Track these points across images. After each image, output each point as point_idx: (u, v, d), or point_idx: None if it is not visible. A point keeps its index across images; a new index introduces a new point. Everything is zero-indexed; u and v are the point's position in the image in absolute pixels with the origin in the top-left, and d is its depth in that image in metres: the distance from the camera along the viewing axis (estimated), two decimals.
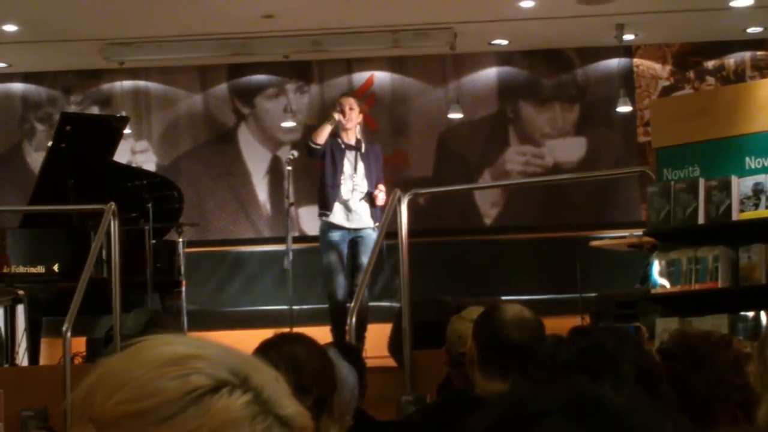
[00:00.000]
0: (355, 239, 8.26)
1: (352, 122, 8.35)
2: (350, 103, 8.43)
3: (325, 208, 8.27)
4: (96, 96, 12.35)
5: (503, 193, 12.19)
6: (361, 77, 12.27)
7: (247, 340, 2.88)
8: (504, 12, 10.74)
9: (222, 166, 12.27)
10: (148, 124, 12.36)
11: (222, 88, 12.38)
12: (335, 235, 8.23)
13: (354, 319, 6.92)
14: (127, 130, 10.11)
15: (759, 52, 11.98)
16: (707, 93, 10.06)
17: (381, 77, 12.28)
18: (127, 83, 12.33)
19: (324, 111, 11.58)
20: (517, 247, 11.72)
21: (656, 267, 6.34)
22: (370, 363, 4.97)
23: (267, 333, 2.89)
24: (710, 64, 12.01)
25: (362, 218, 8.28)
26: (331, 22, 10.95)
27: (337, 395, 2.76)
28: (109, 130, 9.20)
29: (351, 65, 12.26)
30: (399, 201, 7.22)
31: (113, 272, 7.40)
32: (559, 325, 4.24)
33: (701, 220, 6.15)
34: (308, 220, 11.35)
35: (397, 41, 11.36)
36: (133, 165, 11.33)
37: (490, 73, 12.23)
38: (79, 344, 7.88)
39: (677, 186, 6.26)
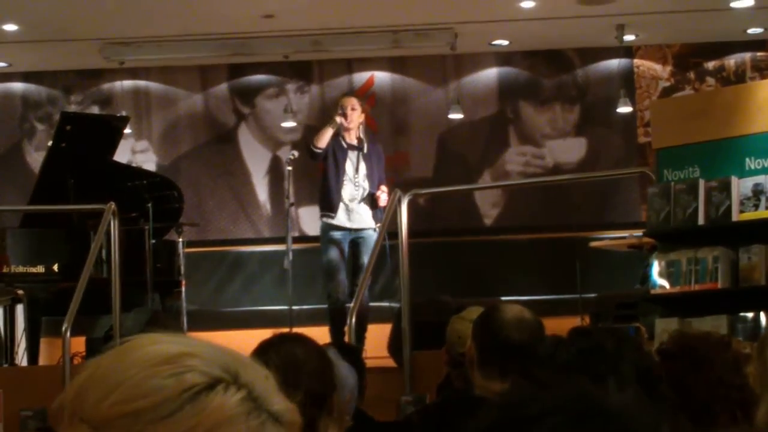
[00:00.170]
0: (356, 240, 8.25)
1: (354, 122, 8.34)
2: (352, 103, 8.40)
3: (329, 209, 8.25)
4: (96, 96, 12.35)
5: (503, 194, 12.19)
6: (361, 77, 12.27)
7: (247, 340, 2.88)
8: (504, 12, 10.74)
9: (222, 166, 12.27)
10: (148, 124, 12.36)
11: (222, 88, 12.38)
12: (337, 234, 8.23)
13: (354, 320, 6.92)
14: (127, 130, 10.11)
15: (759, 53, 11.98)
16: (707, 94, 10.06)
17: (381, 77, 12.28)
18: (128, 83, 12.33)
19: (324, 111, 11.59)
20: (517, 247, 11.72)
21: (656, 268, 6.34)
22: (369, 363, 4.97)
23: (266, 333, 2.89)
24: (710, 64, 12.01)
25: (363, 219, 8.27)
26: (331, 22, 10.95)
27: (336, 395, 2.76)
28: (109, 130, 9.20)
29: (351, 65, 12.26)
30: (399, 201, 7.21)
31: (113, 272, 7.40)
32: (558, 325, 4.23)
33: (701, 220, 6.14)
34: (308, 220, 11.35)
35: (398, 41, 11.36)
36: (133, 165, 11.33)
37: (490, 74, 12.23)
38: (79, 344, 7.88)
39: (677, 187, 6.26)
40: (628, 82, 11.96)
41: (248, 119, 12.37)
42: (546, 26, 11.12)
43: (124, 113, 11.31)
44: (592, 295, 9.03)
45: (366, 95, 11.70)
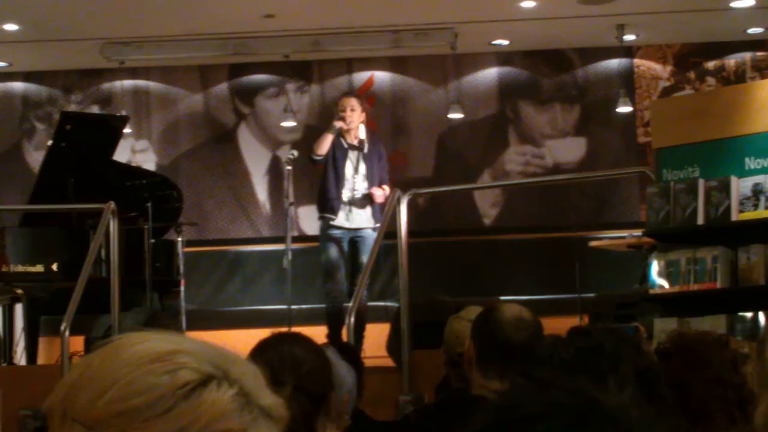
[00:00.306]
0: (354, 239, 8.25)
1: (354, 122, 8.31)
2: (351, 104, 8.37)
3: (328, 209, 8.24)
4: (96, 95, 12.35)
5: (503, 194, 12.19)
6: (361, 77, 12.27)
7: (246, 339, 2.88)
8: (504, 12, 10.74)
9: (222, 165, 12.27)
10: (148, 124, 12.36)
11: (222, 87, 12.38)
12: (336, 233, 8.22)
13: (353, 319, 6.92)
14: (127, 130, 10.12)
15: (759, 53, 11.98)
16: (707, 93, 10.06)
17: (381, 77, 12.28)
18: (128, 82, 12.33)
19: (324, 111, 11.59)
20: (516, 247, 11.72)
21: (655, 267, 6.34)
22: (368, 363, 4.96)
23: (265, 333, 2.89)
24: (710, 64, 12.01)
25: (362, 218, 8.26)
26: (331, 21, 10.95)
27: (334, 395, 2.76)
28: (109, 130, 9.20)
29: (351, 65, 12.26)
30: (398, 201, 7.21)
31: (112, 271, 7.39)
32: (557, 325, 4.23)
33: (700, 220, 6.14)
34: (308, 219, 11.35)
35: (398, 41, 11.37)
36: (133, 164, 11.33)
37: (490, 74, 12.23)
38: (78, 343, 7.87)
39: (677, 186, 6.26)
40: (628, 81, 11.97)
41: (248, 119, 12.37)
42: (546, 26, 11.12)
43: (124, 113, 11.31)
44: (591, 294, 9.04)
45: (366, 95, 11.70)
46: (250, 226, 12.15)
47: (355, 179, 8.27)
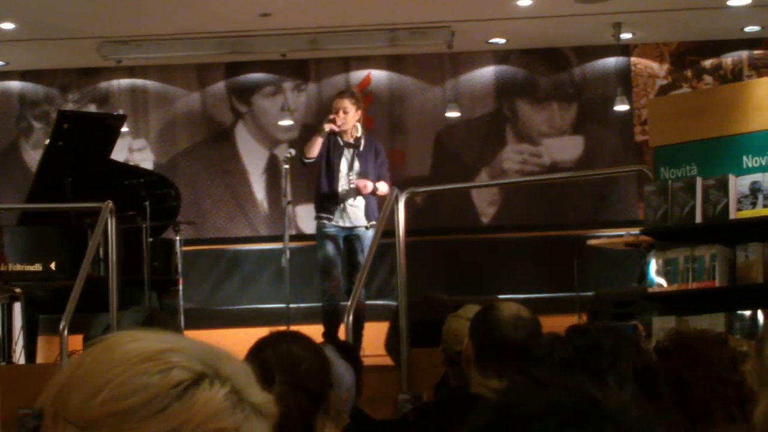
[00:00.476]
0: (349, 237, 8.23)
1: (348, 124, 8.27)
2: (344, 105, 8.30)
3: (323, 208, 8.23)
4: (93, 94, 12.34)
5: (500, 192, 12.18)
6: (358, 75, 12.27)
7: (244, 338, 2.88)
8: (501, 11, 10.74)
9: (219, 164, 12.27)
10: (145, 122, 12.35)
11: (219, 86, 12.37)
12: (331, 230, 8.21)
13: (351, 318, 6.91)
14: (124, 128, 10.10)
15: (756, 51, 11.98)
16: (705, 92, 10.07)
17: (378, 76, 12.28)
18: (125, 81, 12.33)
19: (321, 109, 11.58)
20: (514, 245, 11.72)
21: (653, 266, 6.34)
22: (366, 361, 4.97)
23: (264, 331, 2.88)
24: (708, 62, 12.01)
25: (357, 217, 8.25)
26: (328, 20, 10.95)
27: (333, 393, 2.76)
28: (106, 128, 9.20)
29: (348, 63, 12.25)
30: (396, 200, 7.20)
31: (110, 270, 7.39)
32: (556, 323, 4.22)
33: (698, 218, 6.14)
34: (305, 218, 11.34)
35: (395, 40, 11.36)
36: (131, 163, 11.32)
37: (487, 72, 12.23)
38: (76, 342, 7.86)
39: (675, 185, 6.26)
40: (625, 80, 11.96)
41: (245, 117, 12.36)
42: (543, 24, 11.12)
43: (121, 111, 11.30)
44: (590, 293, 9.03)
45: (363, 93, 11.69)
46: (248, 224, 12.15)
47: (349, 177, 8.26)
